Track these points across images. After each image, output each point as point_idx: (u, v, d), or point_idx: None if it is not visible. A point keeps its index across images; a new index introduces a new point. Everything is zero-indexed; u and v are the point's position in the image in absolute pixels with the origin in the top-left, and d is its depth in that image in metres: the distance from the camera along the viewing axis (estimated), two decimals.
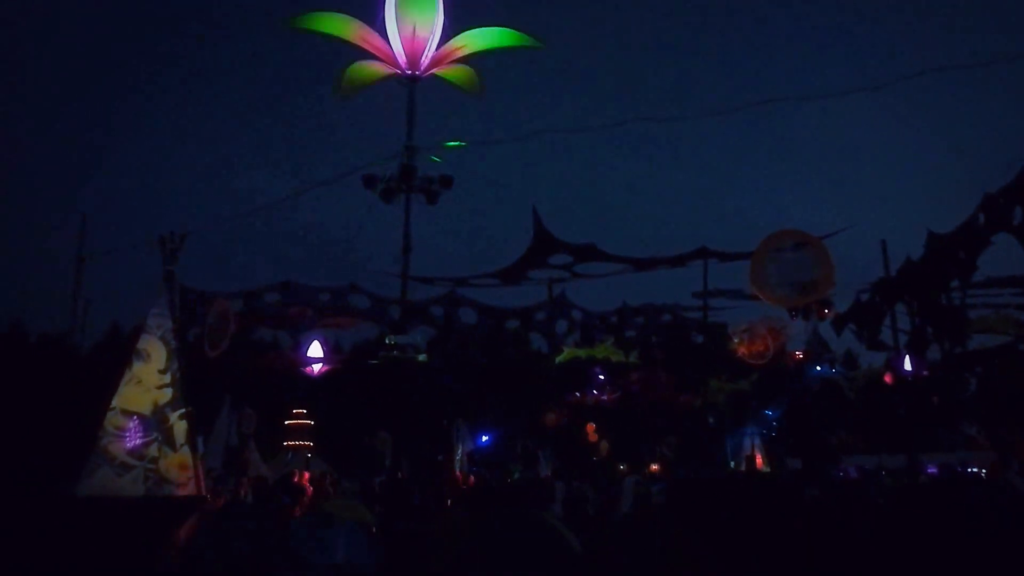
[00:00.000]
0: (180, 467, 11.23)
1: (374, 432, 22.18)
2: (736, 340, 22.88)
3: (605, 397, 24.93)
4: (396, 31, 13.77)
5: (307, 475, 16.47)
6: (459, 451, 20.81)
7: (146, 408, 11.50)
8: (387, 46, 13.89)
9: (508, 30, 14.49)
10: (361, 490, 15.49)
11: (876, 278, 22.77)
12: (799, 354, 23.92)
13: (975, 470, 17.08)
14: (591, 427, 23.72)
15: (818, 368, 24.59)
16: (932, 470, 16.85)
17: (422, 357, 14.11)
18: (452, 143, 12.77)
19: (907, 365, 20.91)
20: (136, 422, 11.37)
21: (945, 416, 22.78)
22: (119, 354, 13.39)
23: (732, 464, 22.12)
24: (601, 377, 25.01)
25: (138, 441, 11.26)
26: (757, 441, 22.52)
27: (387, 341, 14.21)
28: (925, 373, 22.00)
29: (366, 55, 14.08)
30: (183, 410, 11.60)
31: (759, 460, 21.39)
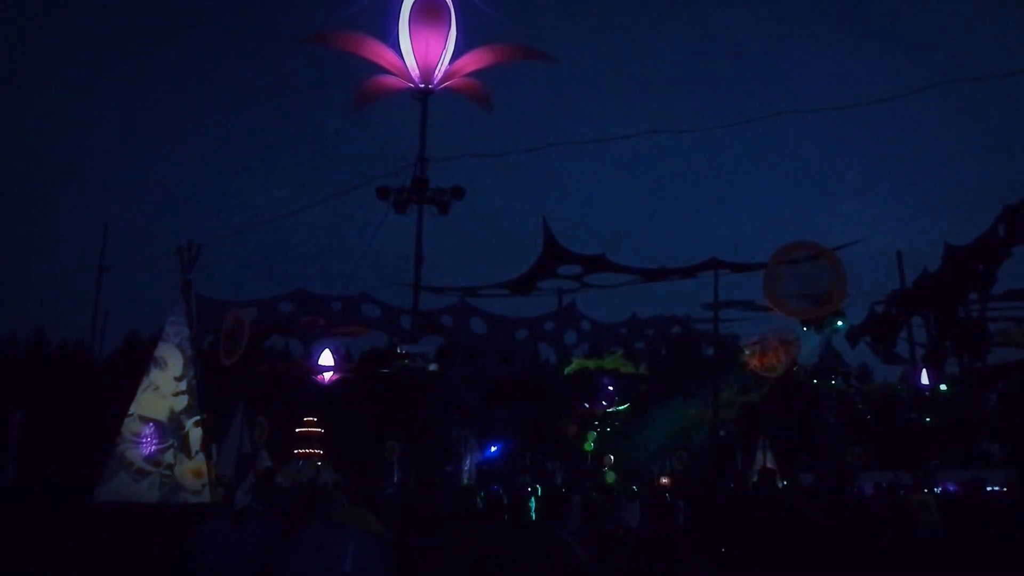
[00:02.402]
0: (195, 474, 11.41)
1: (383, 441, 22.26)
2: (747, 352, 22.71)
3: (614, 409, 24.83)
4: (410, 46, 13.99)
5: None
6: (467, 462, 20.83)
7: (162, 414, 11.70)
8: (400, 61, 14.11)
9: (521, 45, 14.69)
10: (369, 499, 15.55)
11: (891, 290, 22.59)
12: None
13: (994, 488, 16.79)
14: (591, 436, 23.68)
15: (832, 382, 24.39)
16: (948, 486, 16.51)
17: (432, 366, 14.21)
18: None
19: (924, 379, 20.69)
20: (153, 428, 11.58)
21: (964, 432, 22.49)
22: (137, 362, 13.62)
23: (744, 479, 21.91)
24: (610, 388, 24.94)
25: (154, 447, 11.46)
26: (769, 455, 22.35)
27: (398, 350, 14.35)
28: (943, 388, 21.74)
29: (381, 70, 14.31)
30: (198, 417, 11.80)
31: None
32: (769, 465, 21.32)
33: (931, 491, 14.38)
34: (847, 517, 10.88)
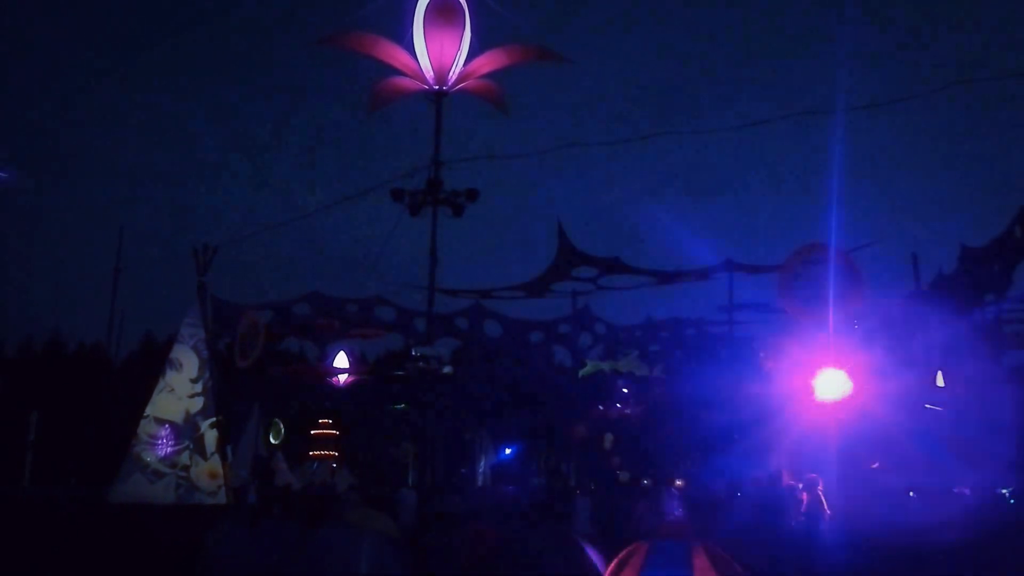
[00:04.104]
0: (210, 475, 11.45)
1: (398, 443, 22.29)
2: (762, 354, 22.58)
3: (629, 411, 24.73)
4: (424, 48, 13.99)
5: None
6: (482, 464, 20.81)
7: (178, 416, 11.76)
8: (415, 63, 14.11)
9: (535, 47, 14.67)
10: (382, 501, 15.53)
11: (906, 292, 22.39)
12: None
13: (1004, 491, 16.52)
14: (608, 438, 23.55)
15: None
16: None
17: (447, 369, 14.19)
18: None
19: (939, 381, 20.44)
20: (168, 430, 11.64)
21: (981, 435, 22.18)
22: (153, 363, 13.71)
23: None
24: (625, 391, 24.84)
25: (170, 449, 11.51)
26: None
27: (413, 353, 14.33)
28: (959, 390, 21.46)
29: (395, 72, 14.31)
30: (213, 419, 11.84)
31: (785, 476, 21.02)
32: (784, 469, 21.12)
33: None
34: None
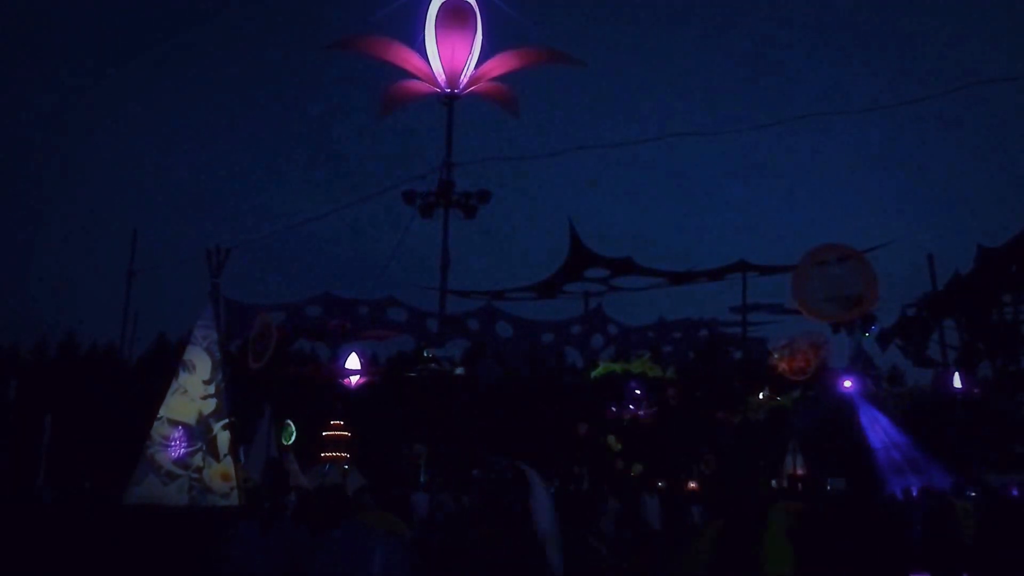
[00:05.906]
0: (223, 477, 11.44)
1: (410, 444, 22.28)
2: (776, 355, 22.45)
3: (642, 412, 24.65)
4: (436, 51, 13.98)
5: None
6: None
7: (191, 418, 11.76)
8: (427, 66, 14.11)
9: (546, 49, 14.64)
10: (395, 503, 15.50)
11: (922, 293, 22.23)
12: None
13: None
14: (616, 440, 23.48)
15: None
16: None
17: (459, 370, 14.19)
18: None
19: (956, 382, 20.26)
20: (181, 432, 11.65)
21: (997, 436, 21.98)
22: (166, 365, 13.75)
23: (774, 483, 21.62)
24: (638, 392, 24.74)
25: (183, 451, 11.52)
26: (799, 459, 21.98)
27: (425, 354, 14.33)
28: (976, 391, 21.27)
29: (407, 75, 14.31)
30: (226, 420, 11.84)
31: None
32: (799, 470, 20.98)
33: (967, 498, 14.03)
34: (874, 522, 10.61)
